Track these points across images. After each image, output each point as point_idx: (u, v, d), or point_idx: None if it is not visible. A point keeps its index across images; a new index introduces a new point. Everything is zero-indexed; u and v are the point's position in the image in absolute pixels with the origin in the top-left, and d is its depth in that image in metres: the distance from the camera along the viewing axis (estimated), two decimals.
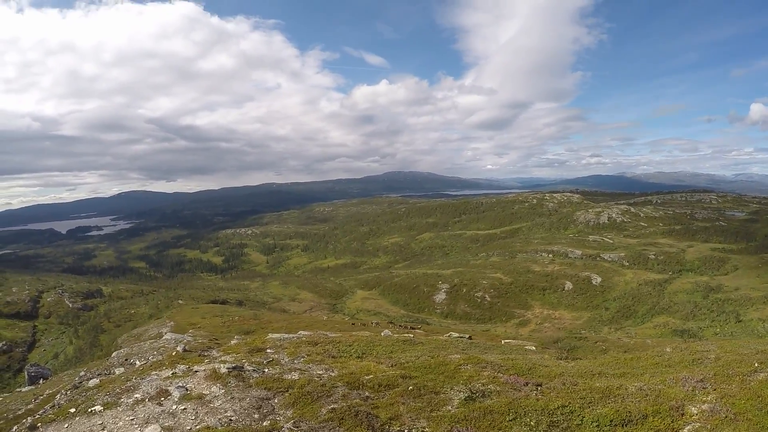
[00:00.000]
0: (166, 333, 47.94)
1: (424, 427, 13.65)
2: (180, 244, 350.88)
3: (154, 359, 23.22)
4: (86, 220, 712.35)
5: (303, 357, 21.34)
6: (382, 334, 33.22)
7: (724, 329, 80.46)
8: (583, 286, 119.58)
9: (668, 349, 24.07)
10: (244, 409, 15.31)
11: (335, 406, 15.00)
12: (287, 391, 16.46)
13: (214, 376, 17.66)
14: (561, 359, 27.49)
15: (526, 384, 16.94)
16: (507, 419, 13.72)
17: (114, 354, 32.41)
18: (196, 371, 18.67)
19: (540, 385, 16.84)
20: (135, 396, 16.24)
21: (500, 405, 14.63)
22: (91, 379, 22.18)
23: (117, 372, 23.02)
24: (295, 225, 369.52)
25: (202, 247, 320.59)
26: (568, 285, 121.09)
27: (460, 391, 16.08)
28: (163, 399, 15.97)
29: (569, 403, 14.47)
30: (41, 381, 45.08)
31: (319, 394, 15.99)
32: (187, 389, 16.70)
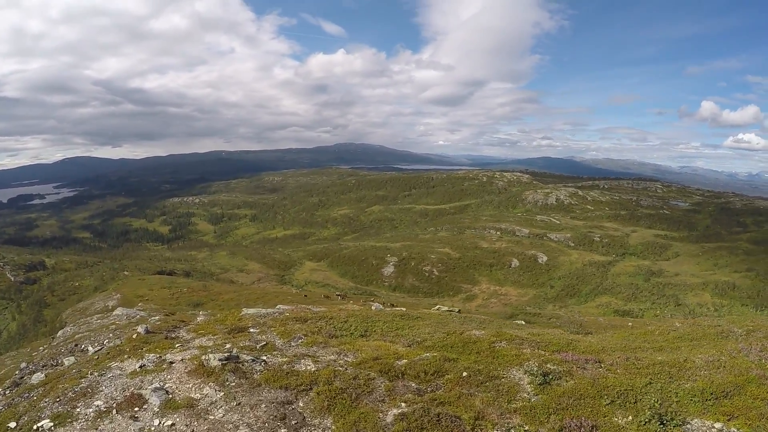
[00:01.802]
0: (114, 307, 45.48)
1: (522, 426, 11.79)
2: (125, 212, 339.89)
3: (111, 344, 19.72)
4: (28, 187, 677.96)
5: (300, 338, 18.88)
6: (373, 307, 30.36)
7: (663, 311, 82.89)
8: (530, 264, 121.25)
9: (677, 324, 23.93)
10: (263, 423, 11.84)
11: (400, 410, 12.31)
12: (310, 389, 13.49)
13: (203, 371, 14.30)
14: (579, 334, 26.69)
15: (587, 361, 15.71)
16: (603, 404, 12.55)
17: (59, 333, 28.14)
18: (172, 363, 15.34)
19: (601, 362, 15.74)
20: (96, 404, 12.61)
21: (584, 387, 13.33)
22: (35, 372, 18.23)
23: (66, 363, 18.79)
24: (244, 194, 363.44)
25: (148, 216, 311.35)
26: (515, 262, 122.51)
27: (525, 374, 14.53)
28: (137, 409, 12.33)
29: (651, 380, 13.59)
30: None
31: (358, 392, 13.26)
32: (167, 392, 13.28)
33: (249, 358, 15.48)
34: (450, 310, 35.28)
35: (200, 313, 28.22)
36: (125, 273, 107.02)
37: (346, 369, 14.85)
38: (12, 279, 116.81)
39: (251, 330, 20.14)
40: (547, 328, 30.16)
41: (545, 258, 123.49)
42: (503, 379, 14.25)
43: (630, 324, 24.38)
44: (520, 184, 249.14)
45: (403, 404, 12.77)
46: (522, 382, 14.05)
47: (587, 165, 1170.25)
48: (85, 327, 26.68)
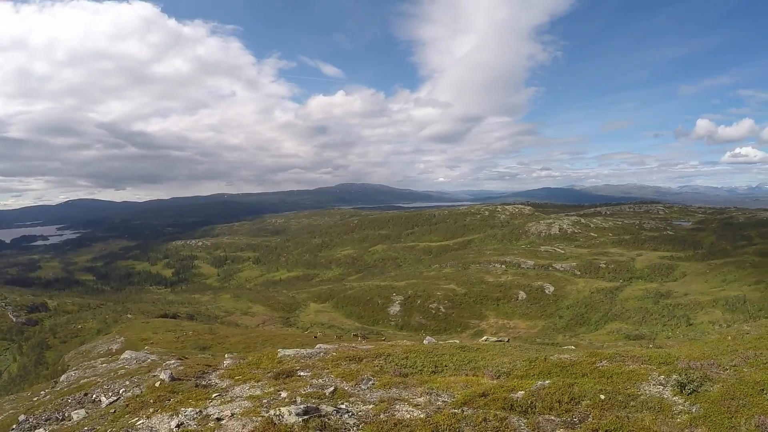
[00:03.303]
0: (118, 350, 44.36)
1: None
2: (128, 255, 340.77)
3: (129, 393, 16.92)
4: (31, 228, 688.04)
5: (369, 380, 16.49)
6: (425, 341, 28.48)
7: (675, 333, 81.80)
8: (537, 296, 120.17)
9: (747, 327, 24.05)
10: None
11: None
12: None
13: None
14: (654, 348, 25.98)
15: (711, 365, 15.49)
16: None
17: (63, 378, 26.07)
18: (220, 419, 12.57)
19: (720, 365, 15.50)
20: None
21: (735, 387, 13.26)
22: (36, 429, 15.95)
23: (75, 417, 16.17)
24: (247, 237, 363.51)
25: (151, 259, 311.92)
26: (522, 295, 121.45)
27: (662, 387, 14.27)
28: None
29: None
30: None
31: None
32: None
33: (330, 408, 12.86)
34: (499, 340, 34.29)
35: (226, 356, 24.83)
36: (128, 316, 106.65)
37: (463, 411, 12.89)
38: (14, 320, 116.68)
39: (301, 373, 17.98)
40: (626, 346, 29.53)
41: (552, 288, 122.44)
42: (643, 396, 13.78)
43: (729, 338, 24.07)
44: (522, 216, 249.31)
45: None
46: (665, 395, 13.73)
47: (587, 192, 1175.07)
48: (91, 371, 25.41)
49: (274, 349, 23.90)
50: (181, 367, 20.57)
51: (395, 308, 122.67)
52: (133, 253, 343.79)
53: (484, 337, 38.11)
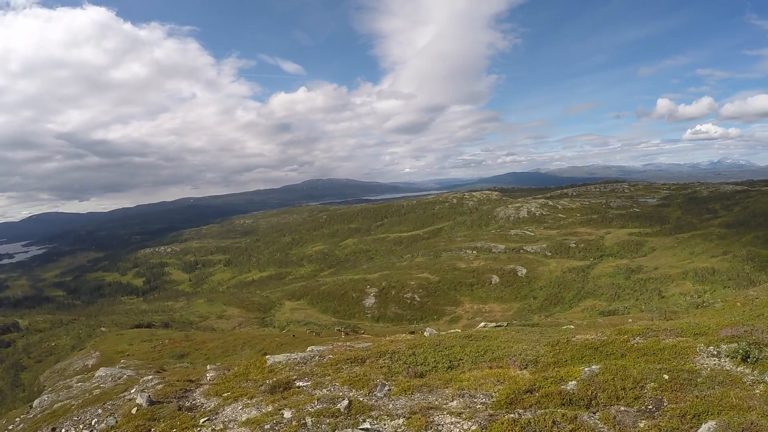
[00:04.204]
0: (94, 366, 42.60)
1: None
2: (97, 267, 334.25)
3: (102, 424, 14.24)
4: None
5: (385, 386, 14.51)
6: (426, 333, 25.99)
7: (649, 306, 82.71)
8: (510, 279, 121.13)
9: (752, 292, 23.87)
10: None
11: None
12: None
13: None
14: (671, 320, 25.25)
15: (753, 331, 15.04)
16: None
17: (36, 403, 23.69)
18: None
19: (762, 330, 15.06)
20: None
21: None
22: None
23: None
24: (216, 239, 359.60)
25: (120, 269, 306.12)
26: (495, 279, 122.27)
27: (719, 358, 13.72)
28: None
29: None
30: None
31: None
32: None
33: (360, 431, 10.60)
34: (498, 325, 32.57)
35: (209, 367, 21.73)
36: (102, 329, 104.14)
37: (519, 414, 10.98)
38: None
39: (300, 384, 15.65)
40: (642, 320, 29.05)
41: (524, 270, 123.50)
42: (705, 371, 12.95)
43: (746, 308, 23.82)
44: (490, 201, 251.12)
45: None
46: (726, 367, 13.12)
47: (553, 175, 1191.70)
48: (65, 393, 23.50)
49: (261, 355, 21.40)
50: (160, 386, 18.06)
51: (370, 300, 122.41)
52: (102, 265, 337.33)
53: (482, 323, 35.28)
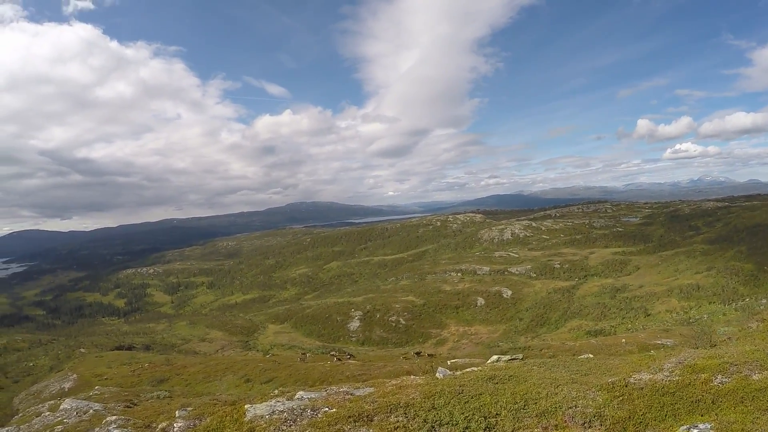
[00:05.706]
0: (70, 389, 41.16)
1: None
2: (78, 287, 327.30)
3: None
4: None
5: None
6: (439, 375, 18.57)
7: (635, 324, 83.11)
8: (495, 300, 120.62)
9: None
10: None
11: None
12: None
13: None
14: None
15: None
16: None
17: None
18: None
19: None
20: None
21: None
22: None
23: None
24: (199, 261, 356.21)
25: (102, 290, 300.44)
26: (480, 301, 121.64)
27: None
28: None
29: None
30: None
31: None
32: None
33: None
34: (513, 358, 27.18)
35: (177, 414, 17.36)
36: (81, 350, 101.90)
37: None
38: None
39: None
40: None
41: (510, 292, 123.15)
42: None
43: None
44: (474, 224, 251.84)
45: None
46: None
47: (536, 197, 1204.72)
48: (26, 429, 21.28)
49: (240, 404, 16.17)
50: (118, 425, 16.14)
51: (355, 324, 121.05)
52: (83, 285, 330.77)
53: (494, 357, 29.12)
